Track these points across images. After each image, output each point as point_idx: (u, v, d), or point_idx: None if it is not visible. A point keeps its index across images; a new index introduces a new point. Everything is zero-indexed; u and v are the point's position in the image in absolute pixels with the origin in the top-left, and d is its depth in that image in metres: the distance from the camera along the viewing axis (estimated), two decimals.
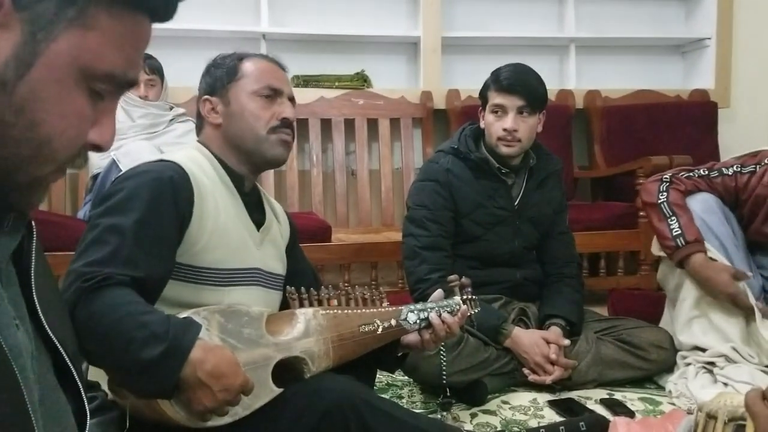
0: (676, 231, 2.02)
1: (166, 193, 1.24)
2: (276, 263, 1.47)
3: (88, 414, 0.70)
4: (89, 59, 0.57)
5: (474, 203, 2.15)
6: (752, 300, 1.97)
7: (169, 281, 1.25)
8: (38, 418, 0.57)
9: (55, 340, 0.66)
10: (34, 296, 0.65)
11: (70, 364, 0.68)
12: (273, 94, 1.40)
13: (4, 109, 0.54)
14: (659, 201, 2.07)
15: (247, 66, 1.41)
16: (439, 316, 1.49)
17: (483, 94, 2.17)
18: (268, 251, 1.45)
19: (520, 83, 2.09)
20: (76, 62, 0.57)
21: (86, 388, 0.73)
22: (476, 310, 1.64)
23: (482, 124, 2.18)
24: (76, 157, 0.60)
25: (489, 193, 2.16)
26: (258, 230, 1.42)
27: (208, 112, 1.41)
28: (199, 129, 1.46)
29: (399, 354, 1.55)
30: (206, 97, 1.42)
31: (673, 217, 2.04)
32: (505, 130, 2.08)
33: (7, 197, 0.58)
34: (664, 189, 2.09)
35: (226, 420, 1.13)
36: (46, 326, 0.65)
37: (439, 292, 1.57)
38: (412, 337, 1.49)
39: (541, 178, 2.24)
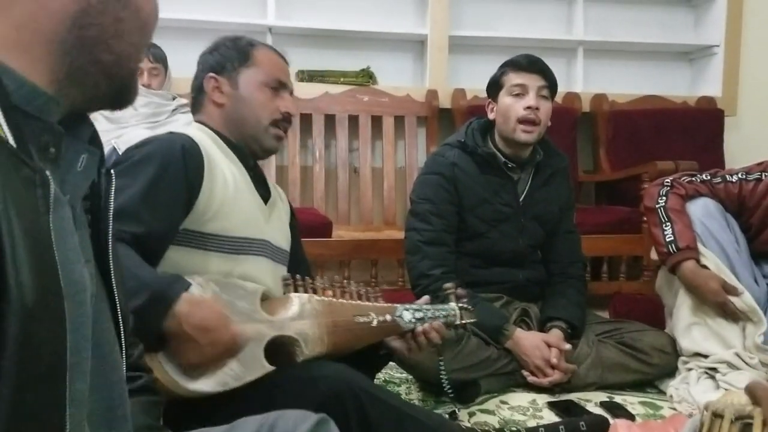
0: (669, 237, 2.02)
1: (177, 160, 1.26)
2: (282, 239, 1.47)
3: (125, 374, 0.71)
4: None
5: (479, 198, 2.12)
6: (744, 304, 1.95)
7: (178, 248, 1.26)
8: (81, 360, 0.56)
9: (116, 292, 0.68)
10: (109, 241, 0.67)
11: (121, 320, 0.70)
12: (279, 87, 1.44)
13: (116, 7, 0.60)
14: (657, 206, 2.07)
15: (260, 55, 1.44)
16: (432, 319, 1.48)
17: (495, 82, 2.14)
18: (275, 225, 1.45)
19: (540, 64, 2.11)
20: None
21: (133, 366, 0.75)
22: (470, 321, 1.60)
23: (491, 116, 2.15)
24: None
25: (494, 188, 2.14)
26: (265, 204, 1.43)
27: (211, 89, 1.43)
28: (197, 105, 1.47)
29: (381, 353, 1.52)
30: (213, 75, 1.43)
31: (667, 223, 2.03)
32: (528, 108, 2.05)
33: (119, 93, 0.65)
34: (664, 194, 2.08)
35: (216, 388, 1.12)
36: (113, 273, 0.68)
37: (425, 298, 1.56)
38: (397, 343, 1.47)
39: (548, 174, 2.21)
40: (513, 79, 2.09)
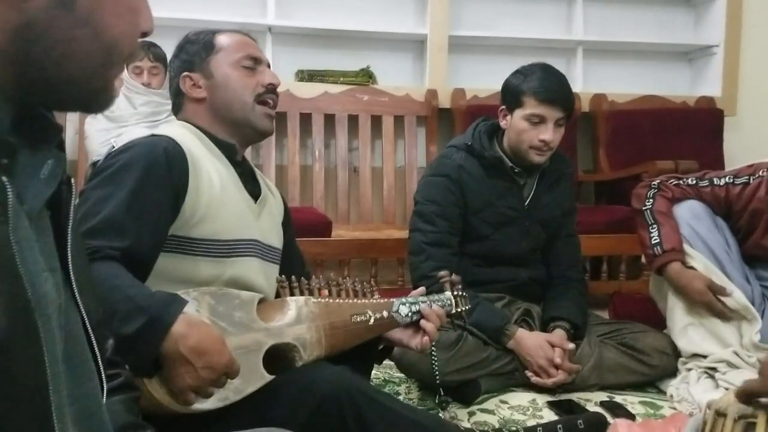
0: (654, 239, 2.03)
1: (160, 164, 1.22)
2: (273, 236, 1.44)
3: (105, 384, 0.69)
4: None
5: (484, 202, 2.11)
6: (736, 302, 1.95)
7: (166, 255, 1.23)
8: (59, 371, 0.55)
9: (79, 301, 0.65)
10: (68, 251, 0.64)
11: (90, 330, 0.67)
12: (254, 64, 1.41)
13: (69, 26, 0.56)
14: (644, 208, 2.08)
15: (223, 39, 1.42)
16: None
17: (515, 97, 2.06)
18: (266, 224, 1.42)
19: (563, 97, 2.05)
20: None
21: (106, 362, 0.72)
22: (466, 308, 1.60)
23: (503, 124, 2.11)
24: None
25: (500, 192, 2.12)
26: (255, 202, 1.40)
27: (189, 88, 1.40)
28: (177, 108, 1.44)
29: (381, 347, 1.52)
30: (186, 73, 1.41)
31: (654, 226, 2.04)
32: (542, 141, 2.02)
33: (87, 104, 0.63)
34: (651, 196, 2.09)
35: (216, 404, 1.10)
36: (74, 282, 0.64)
37: (421, 290, 1.55)
38: (399, 335, 1.47)
39: (553, 179, 2.20)
40: (534, 107, 2.02)
